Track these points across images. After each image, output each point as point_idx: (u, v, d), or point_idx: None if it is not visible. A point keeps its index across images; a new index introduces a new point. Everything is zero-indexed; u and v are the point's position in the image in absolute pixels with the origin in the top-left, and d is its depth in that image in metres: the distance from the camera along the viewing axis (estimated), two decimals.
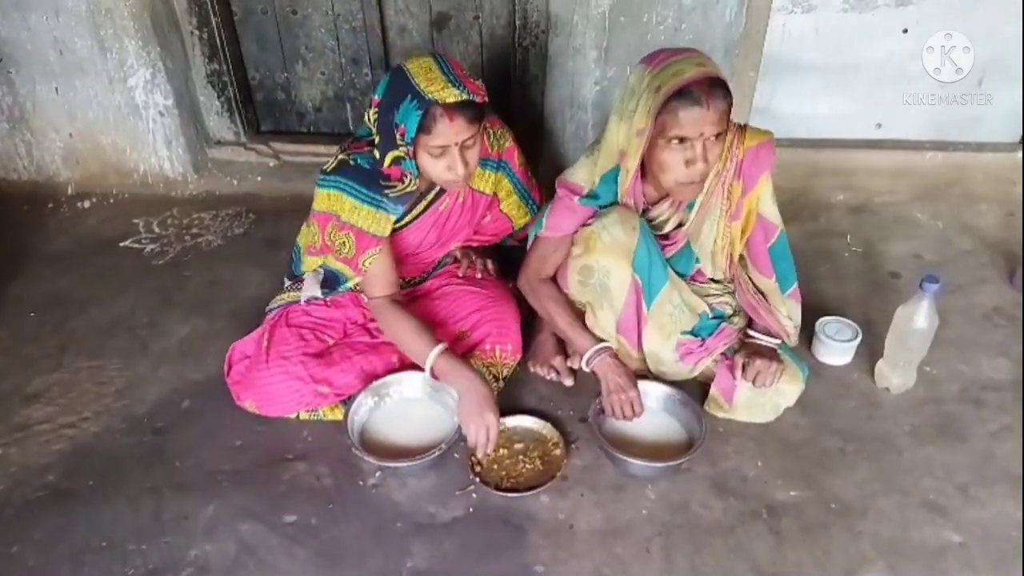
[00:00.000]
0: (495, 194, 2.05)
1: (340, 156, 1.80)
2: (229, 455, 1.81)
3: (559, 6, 2.48)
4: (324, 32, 2.83)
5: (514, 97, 2.80)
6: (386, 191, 1.78)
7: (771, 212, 1.80)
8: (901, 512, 1.65)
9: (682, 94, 1.54)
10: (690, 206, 1.80)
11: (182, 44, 2.79)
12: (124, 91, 2.77)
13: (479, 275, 2.08)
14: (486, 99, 1.70)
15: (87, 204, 2.92)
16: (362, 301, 2.00)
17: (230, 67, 2.85)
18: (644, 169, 1.74)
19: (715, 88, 1.55)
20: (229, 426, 1.88)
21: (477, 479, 1.70)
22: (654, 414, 1.88)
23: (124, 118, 2.84)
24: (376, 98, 1.73)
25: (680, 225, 1.84)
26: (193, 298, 2.38)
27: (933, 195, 2.81)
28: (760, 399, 1.85)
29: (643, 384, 1.88)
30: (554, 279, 1.96)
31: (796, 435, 1.85)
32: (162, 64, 2.71)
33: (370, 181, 1.77)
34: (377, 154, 1.77)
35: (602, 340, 1.88)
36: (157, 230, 2.75)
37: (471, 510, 1.67)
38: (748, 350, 1.88)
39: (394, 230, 1.88)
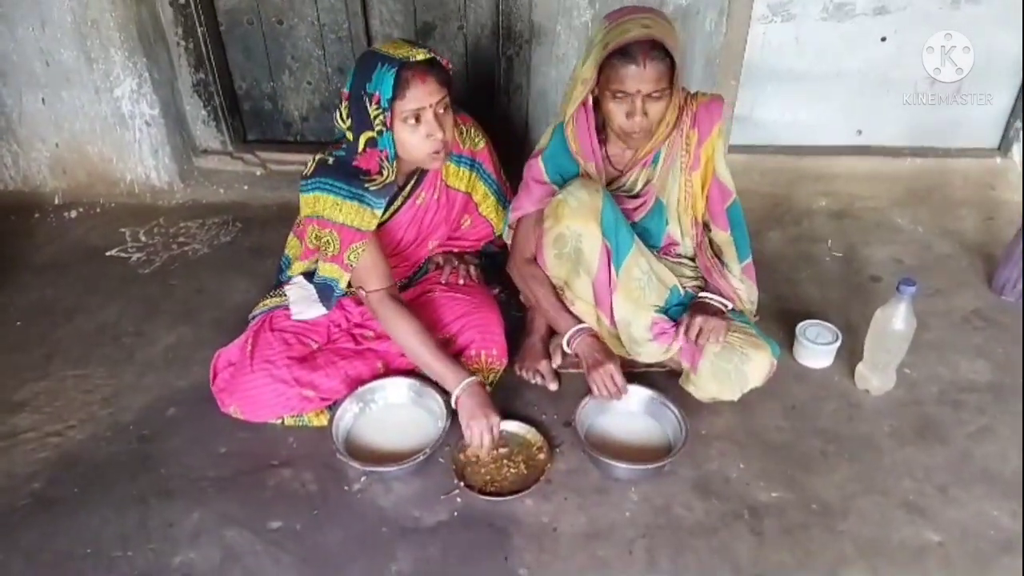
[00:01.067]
0: (470, 194, 2.09)
1: (318, 156, 1.83)
2: (214, 462, 1.82)
3: (542, 16, 2.51)
4: (310, 42, 2.85)
5: (499, 105, 2.82)
6: (367, 185, 1.79)
7: (725, 175, 1.90)
8: (881, 512, 1.67)
9: (623, 52, 1.66)
10: (655, 161, 1.89)
11: (168, 54, 2.80)
12: (110, 101, 2.78)
13: (462, 281, 2.09)
14: (450, 68, 1.77)
15: (74, 214, 2.92)
16: (345, 304, 2.02)
17: (216, 77, 2.86)
18: (605, 132, 1.88)
19: (654, 50, 1.65)
20: (214, 433, 1.89)
21: (461, 483, 1.71)
22: (636, 417, 1.89)
23: (110, 128, 2.85)
24: (345, 91, 1.78)
25: (648, 182, 1.92)
26: (179, 306, 2.39)
27: (913, 200, 2.85)
28: (724, 365, 1.83)
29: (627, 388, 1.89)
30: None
31: (778, 437, 1.87)
32: (148, 74, 2.73)
33: (349, 176, 1.79)
34: (351, 138, 1.79)
35: (583, 323, 1.93)
36: (144, 239, 2.76)
37: (455, 514, 1.68)
38: (695, 308, 1.90)
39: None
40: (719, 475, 1.77)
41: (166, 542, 1.63)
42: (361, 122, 1.75)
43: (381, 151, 1.77)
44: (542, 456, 1.80)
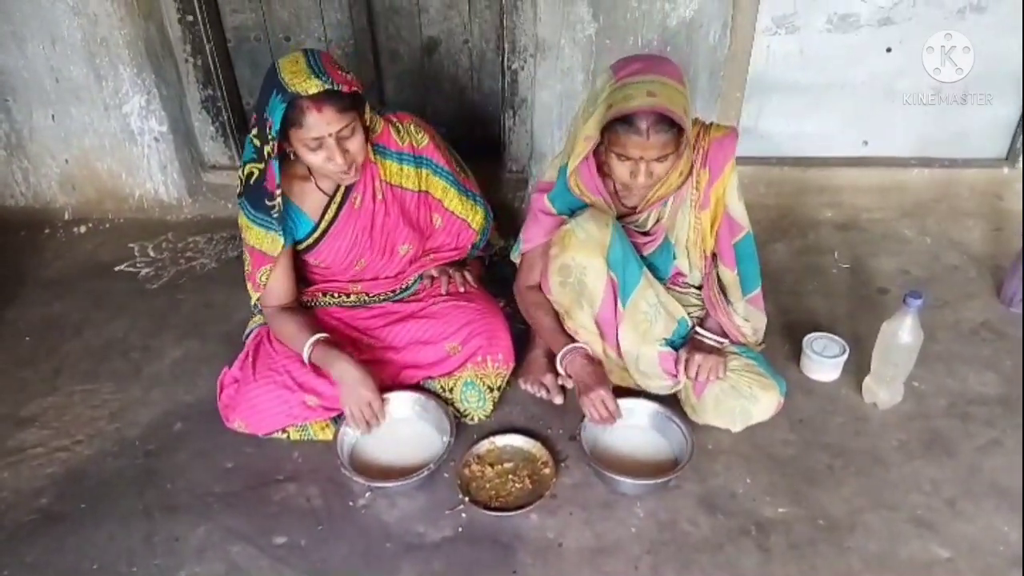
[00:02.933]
0: (428, 192, 2.05)
1: (245, 171, 1.83)
2: (220, 477, 1.82)
3: (546, 30, 2.52)
4: None
5: (504, 119, 2.83)
6: (272, 211, 1.80)
7: (737, 211, 1.84)
8: (889, 527, 1.66)
9: (626, 120, 1.61)
10: (665, 202, 1.86)
11: (176, 71, 2.83)
12: (119, 118, 2.81)
13: (463, 289, 2.08)
14: (357, 88, 1.72)
15: (83, 229, 2.95)
16: (342, 315, 2.05)
17: (224, 93, 2.89)
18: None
19: (659, 122, 1.60)
20: (220, 448, 1.90)
21: (466, 498, 1.71)
22: (642, 431, 1.89)
23: (120, 144, 2.87)
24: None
25: (659, 220, 1.89)
26: (187, 321, 2.40)
27: (920, 211, 2.84)
28: (731, 403, 1.84)
29: (630, 401, 1.89)
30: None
31: (784, 451, 1.86)
32: (157, 91, 2.75)
33: (259, 201, 1.81)
34: (258, 143, 1.76)
35: (576, 343, 1.89)
36: (152, 254, 2.78)
37: (460, 530, 1.68)
38: (691, 345, 1.89)
39: (310, 245, 1.95)
40: (725, 490, 1.76)
41: (172, 557, 1.64)
42: (263, 138, 1.73)
43: (269, 179, 1.76)
44: (547, 471, 1.79)
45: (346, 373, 1.81)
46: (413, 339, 2.00)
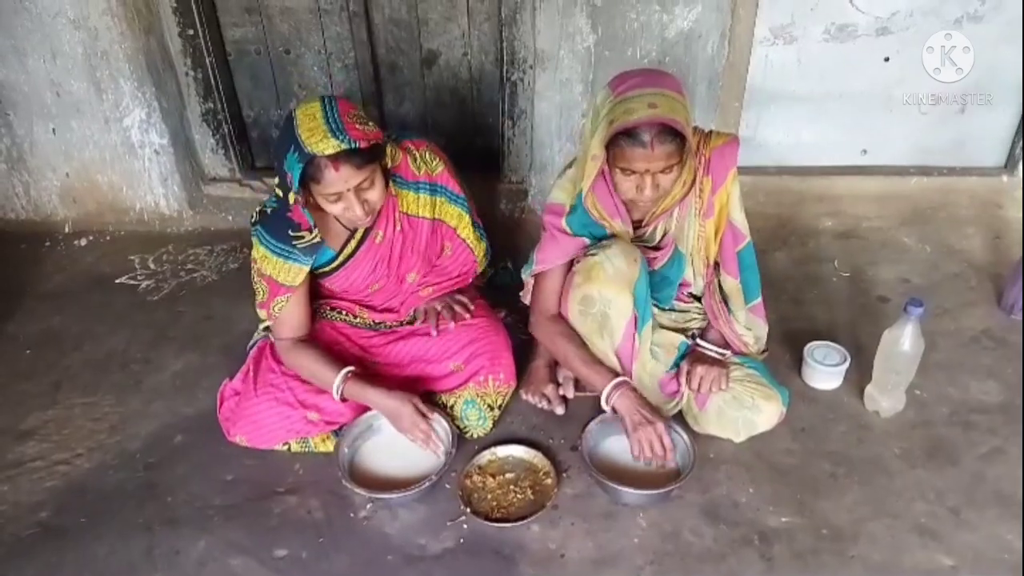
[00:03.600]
0: (441, 220, 2.02)
1: (257, 210, 1.82)
2: (220, 489, 1.82)
3: (545, 41, 2.53)
4: (317, 70, 2.88)
5: (504, 130, 2.84)
6: (295, 242, 1.79)
7: (738, 218, 1.84)
8: (892, 536, 1.65)
9: (629, 134, 1.59)
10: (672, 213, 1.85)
11: (177, 84, 2.84)
12: (120, 131, 2.82)
13: (468, 316, 2.03)
14: (376, 140, 1.69)
15: (84, 242, 2.95)
16: (345, 329, 2.03)
17: (224, 105, 2.90)
18: None
19: (663, 133, 1.58)
20: (221, 460, 1.89)
21: (468, 510, 1.70)
22: None
23: (120, 157, 2.88)
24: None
25: (667, 232, 1.87)
26: (187, 333, 2.40)
27: (919, 219, 2.84)
28: (733, 414, 1.84)
29: None
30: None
31: (787, 460, 1.85)
32: (157, 104, 2.76)
33: (280, 231, 1.79)
34: (279, 194, 1.78)
35: (619, 375, 1.84)
36: (152, 266, 2.78)
37: (461, 541, 1.67)
38: (693, 357, 1.89)
39: (327, 272, 1.93)
40: (728, 500, 1.75)
41: (172, 570, 1.63)
42: (284, 184, 1.72)
43: (296, 215, 1.76)
44: (549, 481, 1.79)
45: (385, 406, 1.81)
46: (416, 357, 1.99)
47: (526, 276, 2.06)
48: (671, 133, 1.59)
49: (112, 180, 2.94)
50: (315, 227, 1.78)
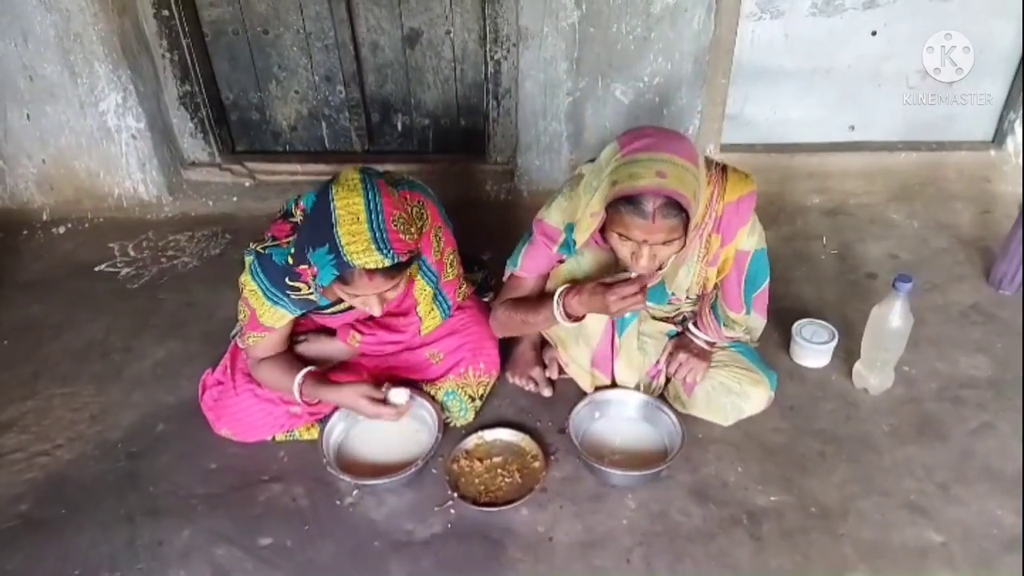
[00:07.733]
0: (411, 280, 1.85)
1: (259, 249, 1.68)
2: (204, 479, 1.79)
3: (529, 19, 2.49)
4: (296, 51, 2.82)
5: (488, 110, 2.80)
6: (288, 291, 1.68)
7: (749, 244, 1.72)
8: (882, 513, 1.65)
9: (631, 200, 1.46)
10: None
11: (153, 66, 2.78)
12: (96, 115, 2.76)
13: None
14: (416, 249, 1.58)
15: (62, 230, 2.90)
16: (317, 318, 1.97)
17: (202, 88, 2.84)
18: None
19: (667, 206, 1.45)
20: (204, 449, 1.86)
21: (455, 494, 1.69)
22: (631, 422, 1.87)
23: (97, 142, 2.82)
24: (304, 205, 1.67)
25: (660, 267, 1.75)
26: (168, 321, 2.36)
27: (908, 195, 2.83)
28: (721, 399, 1.83)
29: (620, 393, 1.88)
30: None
31: (775, 439, 1.84)
32: (133, 87, 2.70)
33: (277, 276, 1.67)
34: (291, 260, 1.66)
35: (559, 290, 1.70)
36: (132, 253, 2.73)
37: (449, 526, 1.65)
38: (679, 342, 1.88)
39: (318, 311, 1.82)
40: (717, 479, 1.74)
41: (155, 561, 1.60)
42: (302, 261, 1.60)
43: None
44: (537, 464, 1.77)
45: (335, 397, 1.77)
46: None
47: (509, 270, 1.90)
48: (676, 207, 1.46)
49: (89, 166, 2.88)
50: (325, 301, 1.72)
